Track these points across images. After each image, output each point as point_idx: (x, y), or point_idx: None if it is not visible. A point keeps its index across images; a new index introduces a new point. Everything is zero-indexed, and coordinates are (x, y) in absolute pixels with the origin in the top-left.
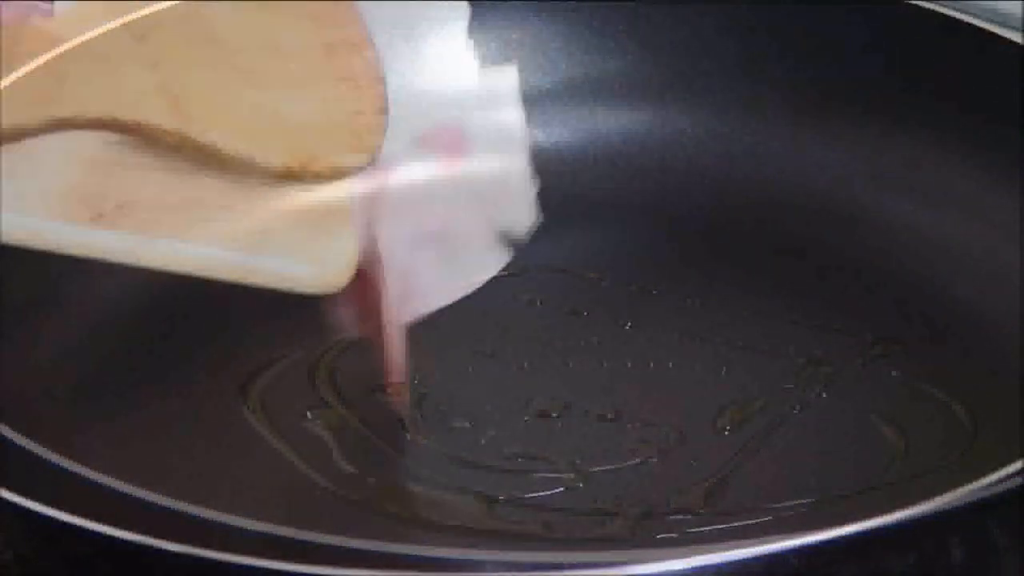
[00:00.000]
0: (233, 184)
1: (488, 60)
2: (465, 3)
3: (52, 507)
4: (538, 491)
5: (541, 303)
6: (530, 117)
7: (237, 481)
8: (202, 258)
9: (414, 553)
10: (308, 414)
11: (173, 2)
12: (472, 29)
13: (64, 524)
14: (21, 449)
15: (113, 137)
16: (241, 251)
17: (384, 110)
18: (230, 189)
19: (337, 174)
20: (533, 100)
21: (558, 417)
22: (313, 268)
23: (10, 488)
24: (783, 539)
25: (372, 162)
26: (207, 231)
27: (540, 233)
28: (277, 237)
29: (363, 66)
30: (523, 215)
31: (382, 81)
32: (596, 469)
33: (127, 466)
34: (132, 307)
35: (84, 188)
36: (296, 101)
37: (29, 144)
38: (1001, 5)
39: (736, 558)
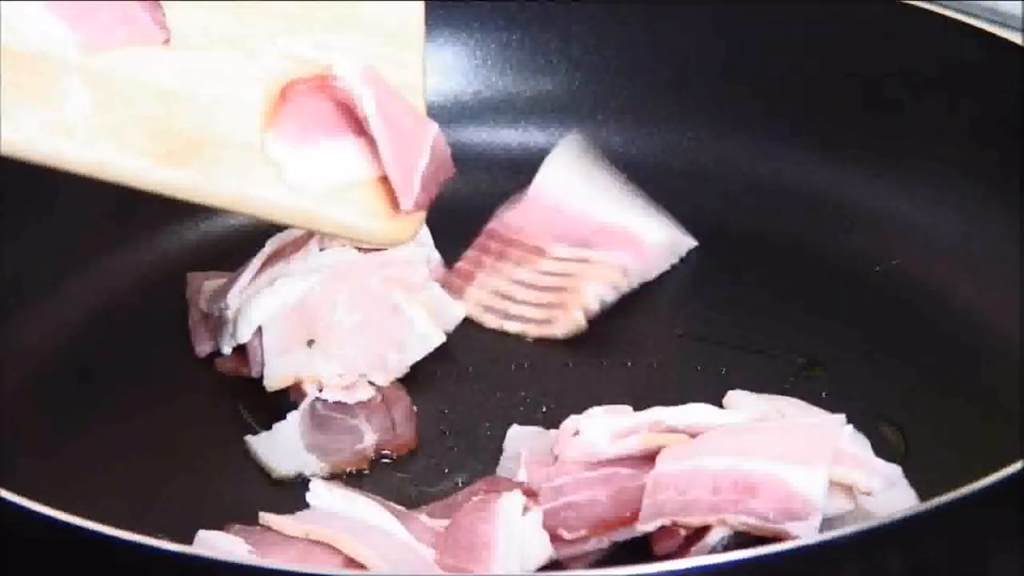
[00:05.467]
0: None
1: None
2: None
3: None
4: None
5: None
6: (466, 133)
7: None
8: (268, 202)
9: None
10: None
11: None
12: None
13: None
14: None
15: (189, 68)
16: (308, 197)
17: None
18: None
19: None
20: (463, 115)
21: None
22: (378, 219)
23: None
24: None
25: None
26: (275, 173)
27: None
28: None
29: None
30: None
31: None
32: None
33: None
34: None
35: (156, 122)
36: None
37: (104, 73)
38: (1001, 5)
39: (736, 558)
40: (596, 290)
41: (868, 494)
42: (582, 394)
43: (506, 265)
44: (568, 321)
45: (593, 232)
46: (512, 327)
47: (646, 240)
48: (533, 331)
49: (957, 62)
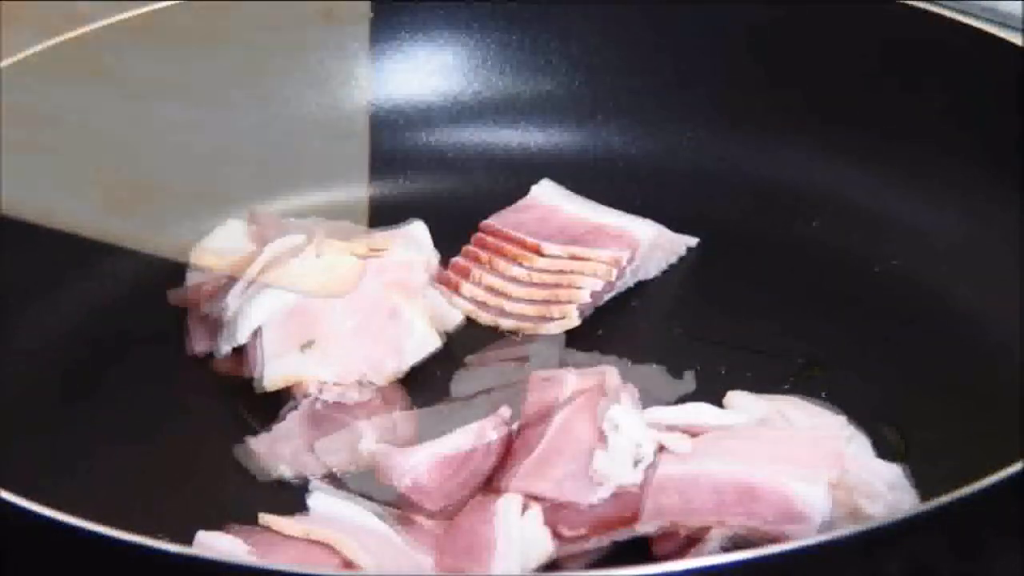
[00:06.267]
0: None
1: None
2: None
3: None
4: None
5: None
6: (466, 133)
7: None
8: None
9: None
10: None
11: None
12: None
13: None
14: None
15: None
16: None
17: None
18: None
19: None
20: (463, 115)
21: None
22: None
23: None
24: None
25: None
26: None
27: None
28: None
29: None
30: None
31: None
32: None
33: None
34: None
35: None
36: None
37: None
38: (1001, 5)
39: (736, 559)
40: (589, 286)
41: (868, 497)
42: None
43: (501, 262)
44: (562, 318)
45: (586, 231)
46: (507, 324)
47: (639, 237)
48: (528, 328)
49: (957, 62)
